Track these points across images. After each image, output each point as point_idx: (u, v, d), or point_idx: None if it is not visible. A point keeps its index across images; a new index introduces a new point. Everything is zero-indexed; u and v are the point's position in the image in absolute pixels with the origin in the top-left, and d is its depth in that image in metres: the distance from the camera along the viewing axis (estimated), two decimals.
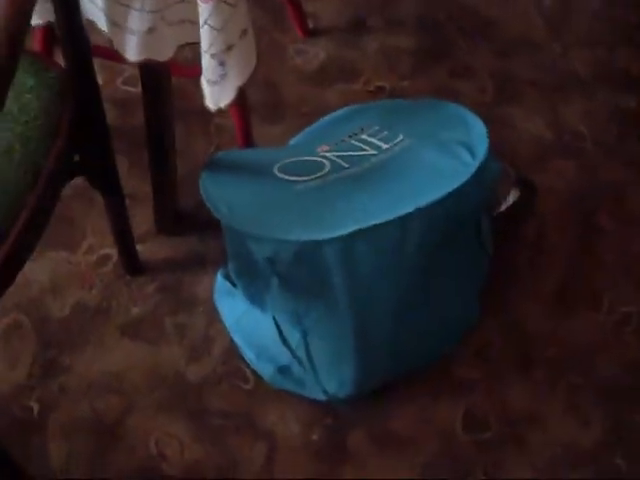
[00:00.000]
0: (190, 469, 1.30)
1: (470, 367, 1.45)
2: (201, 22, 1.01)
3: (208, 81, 1.08)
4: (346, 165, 1.27)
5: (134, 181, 1.55)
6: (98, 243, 1.49)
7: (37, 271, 1.45)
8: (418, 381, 1.41)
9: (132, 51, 1.08)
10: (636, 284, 1.57)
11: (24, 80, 1.05)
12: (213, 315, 1.44)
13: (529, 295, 1.54)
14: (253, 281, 1.25)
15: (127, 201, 1.46)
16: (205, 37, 1.02)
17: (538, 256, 1.59)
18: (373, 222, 1.14)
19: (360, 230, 1.14)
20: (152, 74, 1.21)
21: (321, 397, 1.33)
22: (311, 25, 1.86)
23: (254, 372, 1.39)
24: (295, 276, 1.18)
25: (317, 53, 1.83)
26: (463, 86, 1.81)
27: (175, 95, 1.65)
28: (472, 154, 1.24)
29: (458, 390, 1.42)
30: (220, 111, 1.14)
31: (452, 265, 1.36)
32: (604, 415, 1.41)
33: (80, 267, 1.47)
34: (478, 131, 1.29)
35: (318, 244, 1.13)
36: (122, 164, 1.54)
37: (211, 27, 1.00)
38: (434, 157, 1.25)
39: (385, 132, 1.33)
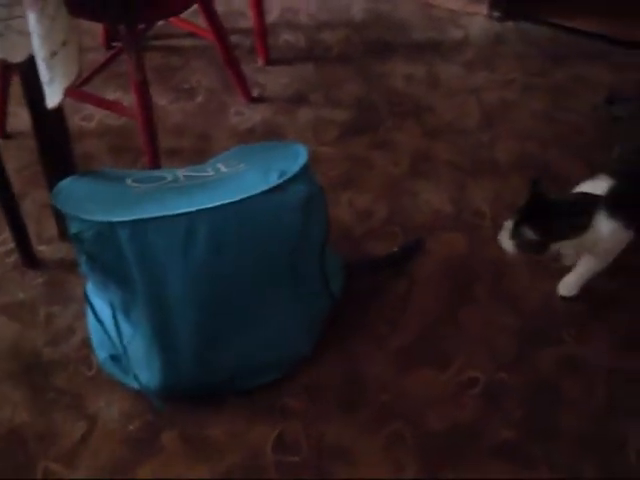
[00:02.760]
0: (14, 429, 1.46)
1: (297, 399, 1.53)
2: (31, 30, 1.26)
3: (43, 83, 1.32)
4: (182, 179, 1.46)
5: None
6: (10, 239, 1.71)
7: None
8: (242, 399, 1.51)
9: None
10: (491, 354, 1.60)
11: None
12: (83, 312, 1.61)
13: (377, 345, 1.61)
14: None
15: (43, 210, 1.76)
16: (36, 43, 1.26)
17: (398, 312, 1.66)
18: (163, 214, 1.31)
19: (150, 218, 1.31)
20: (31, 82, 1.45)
21: (136, 386, 1.46)
22: (257, 93, 2.12)
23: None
24: (99, 256, 1.34)
25: (253, 116, 2.07)
26: (378, 157, 1.97)
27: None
28: (280, 176, 1.38)
29: (279, 415, 1.50)
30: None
31: (274, 295, 1.46)
32: (419, 467, 1.43)
33: None
34: (300, 162, 1.43)
35: (112, 225, 1.31)
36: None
37: (38, 35, 1.25)
38: (249, 177, 1.41)
39: (234, 162, 1.51)
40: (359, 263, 1.70)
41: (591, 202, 1.54)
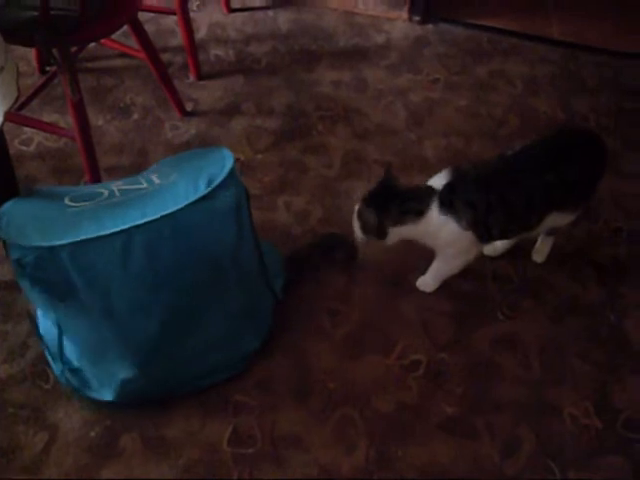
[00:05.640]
0: None
1: (248, 394, 1.60)
2: None
3: None
4: (118, 194, 1.50)
5: None
6: None
7: None
8: (195, 399, 1.58)
9: None
10: (431, 337, 1.69)
11: None
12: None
13: (322, 337, 1.69)
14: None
15: None
16: None
17: (341, 305, 1.75)
18: (100, 233, 1.37)
19: (88, 239, 1.36)
20: None
21: (94, 395, 1.52)
22: (191, 108, 2.19)
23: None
24: (42, 279, 1.38)
25: (188, 130, 2.14)
26: (311, 161, 2.05)
27: None
28: (209, 184, 1.44)
29: (232, 411, 1.57)
30: None
31: (222, 295, 1.52)
32: (369, 445, 1.51)
33: None
34: (227, 167, 1.48)
35: (51, 249, 1.35)
36: None
37: None
38: (180, 188, 1.46)
39: (166, 171, 1.56)
40: (299, 253, 1.78)
41: (427, 192, 1.61)
